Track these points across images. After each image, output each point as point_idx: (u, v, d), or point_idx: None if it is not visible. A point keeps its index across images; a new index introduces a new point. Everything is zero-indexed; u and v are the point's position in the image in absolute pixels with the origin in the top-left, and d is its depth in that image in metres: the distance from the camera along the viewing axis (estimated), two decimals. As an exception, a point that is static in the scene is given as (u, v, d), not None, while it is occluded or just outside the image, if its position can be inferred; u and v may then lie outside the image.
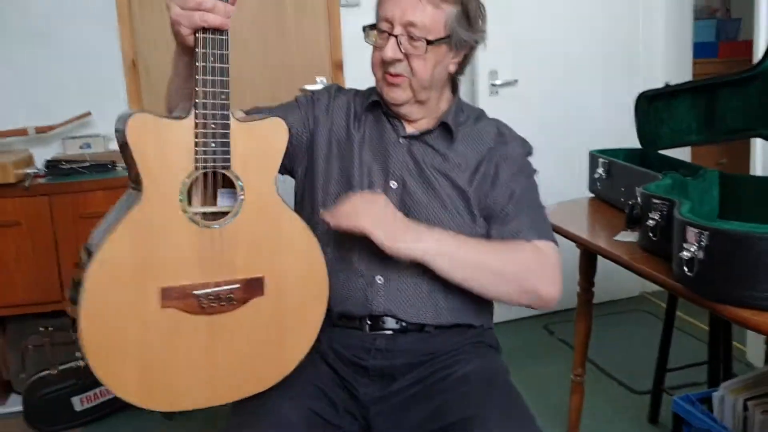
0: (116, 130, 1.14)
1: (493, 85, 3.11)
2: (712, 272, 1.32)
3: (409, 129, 1.46)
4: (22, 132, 2.75)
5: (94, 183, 2.57)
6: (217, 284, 1.16)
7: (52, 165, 2.67)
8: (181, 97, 1.22)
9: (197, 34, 1.10)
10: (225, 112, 1.13)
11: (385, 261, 1.34)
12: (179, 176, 1.12)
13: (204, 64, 1.10)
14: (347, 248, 1.38)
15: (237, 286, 1.18)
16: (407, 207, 1.40)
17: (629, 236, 1.77)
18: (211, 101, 1.11)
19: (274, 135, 1.22)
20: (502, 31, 2.98)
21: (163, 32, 2.71)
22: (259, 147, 1.19)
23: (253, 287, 1.19)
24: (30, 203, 2.53)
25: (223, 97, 1.12)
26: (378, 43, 1.39)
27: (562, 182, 2.55)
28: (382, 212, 1.28)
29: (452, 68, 1.44)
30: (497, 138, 1.47)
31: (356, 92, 1.55)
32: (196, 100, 1.10)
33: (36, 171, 2.63)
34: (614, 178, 2.09)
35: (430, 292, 1.37)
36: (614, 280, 2.94)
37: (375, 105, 1.47)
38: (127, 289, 1.09)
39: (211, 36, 1.10)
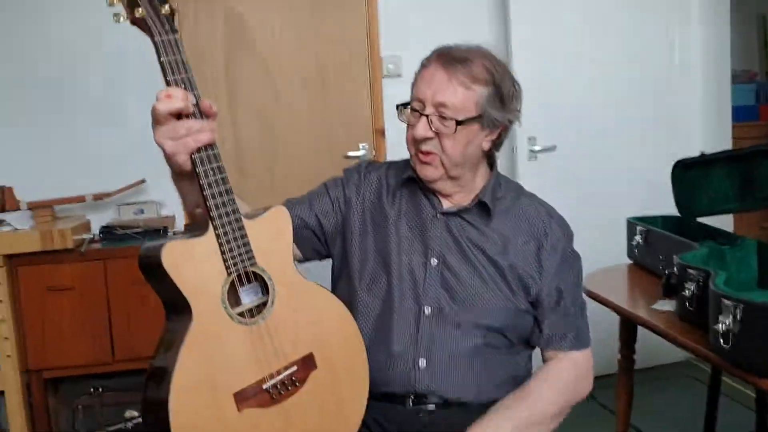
0: (145, 262, 1.18)
1: (532, 150, 3.17)
2: (747, 345, 1.34)
3: (446, 204, 1.48)
4: (81, 199, 2.90)
5: (146, 248, 2.68)
6: (279, 372, 1.23)
7: (107, 230, 2.80)
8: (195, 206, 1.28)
9: (193, 156, 1.17)
10: (237, 216, 1.20)
11: (426, 345, 1.39)
12: (217, 286, 1.19)
13: (207, 180, 1.18)
14: (386, 331, 1.42)
15: (295, 368, 1.25)
16: (449, 284, 1.42)
17: (667, 305, 1.79)
18: (224, 210, 1.18)
19: (280, 221, 1.31)
20: (540, 96, 3.06)
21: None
22: (271, 236, 1.27)
23: (307, 364, 1.27)
24: (85, 268, 2.66)
25: (231, 203, 1.19)
26: (410, 122, 1.43)
27: (601, 248, 2.56)
28: None
29: (486, 146, 1.45)
30: (537, 217, 1.48)
31: (389, 165, 1.58)
32: (211, 214, 1.17)
33: (92, 236, 2.76)
34: (652, 246, 2.11)
35: (473, 373, 1.40)
36: (658, 345, 2.90)
37: (410, 180, 1.50)
38: (207, 407, 1.15)
39: (205, 153, 1.17)
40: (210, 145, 1.18)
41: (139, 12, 1.14)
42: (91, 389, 2.73)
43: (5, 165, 2.93)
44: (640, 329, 2.04)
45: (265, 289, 1.25)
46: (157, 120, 1.16)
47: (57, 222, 2.80)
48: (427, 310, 1.41)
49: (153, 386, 1.14)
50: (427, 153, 1.41)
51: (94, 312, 2.67)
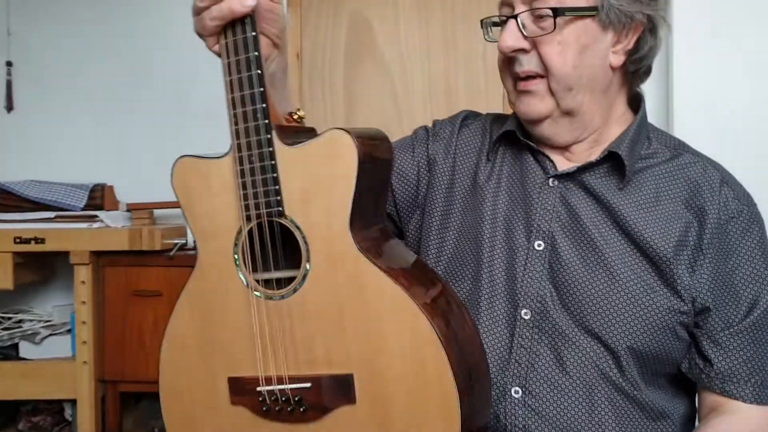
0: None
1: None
2: None
3: (563, 165, 1.05)
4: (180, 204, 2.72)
5: (238, 256, 2.45)
6: (280, 380, 0.85)
7: (203, 237, 2.59)
8: None
9: (221, 40, 0.85)
10: (266, 136, 0.84)
11: (523, 366, 0.97)
12: (231, 230, 0.87)
13: (231, 77, 0.84)
14: None
15: (307, 385, 0.83)
16: (558, 279, 0.99)
17: None
18: (248, 124, 0.84)
19: (338, 154, 0.84)
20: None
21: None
22: (320, 176, 0.85)
23: (334, 390, 0.83)
24: (173, 273, 2.45)
25: (263, 115, 0.83)
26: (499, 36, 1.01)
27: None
28: None
29: (616, 60, 0.99)
30: (704, 181, 0.99)
31: (495, 118, 1.15)
32: (233, 127, 0.85)
33: (184, 242, 2.56)
34: None
35: (591, 416, 0.95)
36: None
37: (512, 135, 1.07)
38: (198, 374, 0.89)
39: (236, 38, 0.83)
40: (245, 25, 0.82)
41: None
42: (168, 411, 2.50)
43: (108, 164, 2.83)
44: None
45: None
46: None
47: (153, 225, 2.63)
48: (526, 314, 0.99)
49: None
50: (527, 77, 0.98)
51: (178, 323, 2.44)
